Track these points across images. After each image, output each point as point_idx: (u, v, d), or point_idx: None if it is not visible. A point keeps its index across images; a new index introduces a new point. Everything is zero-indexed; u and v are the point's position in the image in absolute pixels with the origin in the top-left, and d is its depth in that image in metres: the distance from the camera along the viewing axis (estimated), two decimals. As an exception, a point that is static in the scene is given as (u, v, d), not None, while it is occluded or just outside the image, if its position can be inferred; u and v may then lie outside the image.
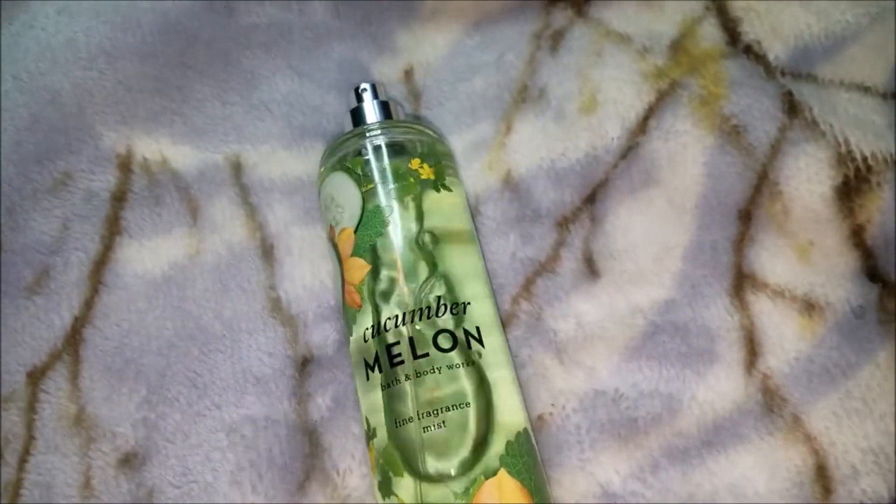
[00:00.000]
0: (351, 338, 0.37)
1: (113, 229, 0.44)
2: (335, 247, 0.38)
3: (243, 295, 0.42)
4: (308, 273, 0.42)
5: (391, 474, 0.34)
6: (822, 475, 0.36)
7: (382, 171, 0.38)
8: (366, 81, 0.43)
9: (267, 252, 0.43)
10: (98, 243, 0.44)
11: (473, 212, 0.42)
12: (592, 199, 0.42)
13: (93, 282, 0.43)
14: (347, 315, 0.37)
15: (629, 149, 0.42)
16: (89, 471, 0.39)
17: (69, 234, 0.44)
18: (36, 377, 0.41)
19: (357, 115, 0.41)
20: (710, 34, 0.45)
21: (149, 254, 0.43)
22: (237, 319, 0.41)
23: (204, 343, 0.41)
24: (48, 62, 0.47)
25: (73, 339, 0.42)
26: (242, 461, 0.38)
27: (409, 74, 0.47)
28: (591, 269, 0.41)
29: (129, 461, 0.39)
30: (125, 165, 0.45)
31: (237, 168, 0.45)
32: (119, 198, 0.44)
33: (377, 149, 0.39)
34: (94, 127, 0.46)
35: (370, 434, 0.35)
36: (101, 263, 0.43)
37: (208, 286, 0.42)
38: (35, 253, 0.44)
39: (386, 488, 0.34)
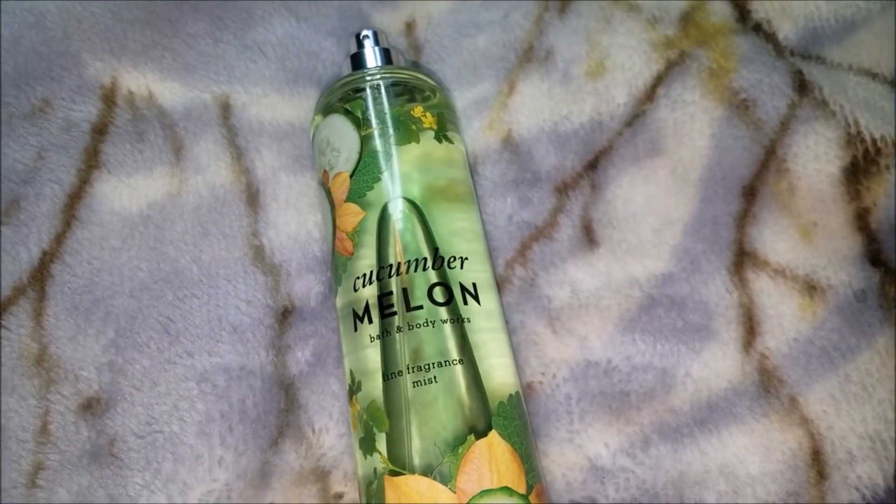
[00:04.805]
0: (339, 288, 0.33)
1: (91, 163, 0.39)
2: (328, 192, 0.34)
3: (224, 240, 0.37)
4: (294, 221, 0.38)
5: (375, 430, 0.29)
6: (818, 459, 0.33)
7: (383, 116, 0.34)
8: (367, 28, 0.38)
9: (252, 197, 0.38)
10: (74, 176, 0.39)
11: (471, 171, 0.38)
12: (594, 165, 0.38)
13: (66, 216, 0.38)
14: (337, 264, 0.33)
15: (635, 116, 0.39)
16: (47, 415, 0.35)
17: (44, 164, 0.39)
18: (-4, 312, 0.36)
19: (357, 60, 0.37)
20: (719, 9, 0.41)
21: (127, 190, 0.38)
22: (216, 265, 0.37)
23: (179, 287, 0.36)
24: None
25: (40, 275, 0.37)
26: (212, 412, 0.34)
27: (410, 27, 0.42)
28: (589, 237, 0.37)
29: (91, 407, 0.35)
30: (109, 98, 0.40)
31: (226, 108, 0.40)
32: (100, 130, 0.40)
33: (379, 91, 0.35)
34: (79, 55, 0.41)
35: (354, 388, 0.31)
36: (75, 197, 0.38)
37: (188, 228, 0.38)
38: (5, 181, 0.39)
39: (368, 445, 0.30)
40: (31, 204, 0.38)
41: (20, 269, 0.37)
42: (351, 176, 0.33)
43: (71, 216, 0.38)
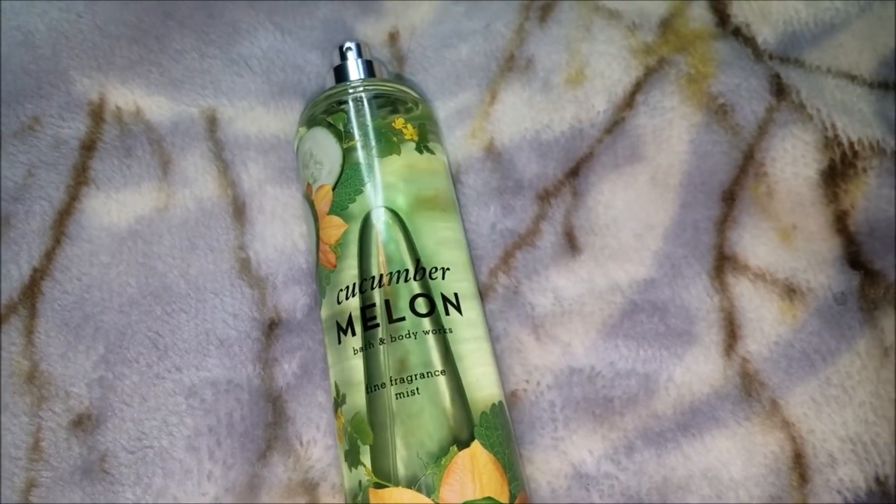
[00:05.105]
0: (323, 300, 0.33)
1: (80, 179, 0.39)
2: (311, 204, 0.34)
3: (211, 253, 0.38)
4: (280, 233, 0.38)
5: (359, 442, 0.30)
6: (799, 462, 0.33)
7: (365, 129, 0.34)
8: (350, 41, 0.38)
9: (238, 210, 0.39)
10: (63, 193, 0.39)
11: (454, 180, 0.38)
12: (575, 172, 0.38)
13: (55, 232, 0.38)
14: (321, 276, 0.33)
15: (615, 123, 0.39)
16: (39, 432, 0.35)
17: (34, 182, 0.40)
18: (-12, 330, 0.37)
19: (340, 73, 0.37)
20: (699, 15, 0.42)
21: (116, 206, 0.39)
22: (203, 279, 0.37)
23: (167, 302, 0.37)
24: (22, 1, 0.43)
25: (31, 292, 0.37)
26: (201, 426, 0.34)
27: (393, 38, 0.43)
28: (571, 243, 0.37)
29: (83, 423, 0.35)
30: (97, 114, 0.41)
31: (212, 122, 0.41)
32: (88, 147, 0.40)
33: (361, 105, 0.35)
34: (66, 72, 0.42)
35: (338, 401, 0.31)
36: (65, 214, 0.39)
37: (175, 243, 0.38)
38: (-4, 199, 0.39)
39: (353, 458, 0.30)
40: (22, 221, 0.39)
41: (11, 286, 0.37)
42: (333, 188, 0.33)
43: (60, 233, 0.38)
